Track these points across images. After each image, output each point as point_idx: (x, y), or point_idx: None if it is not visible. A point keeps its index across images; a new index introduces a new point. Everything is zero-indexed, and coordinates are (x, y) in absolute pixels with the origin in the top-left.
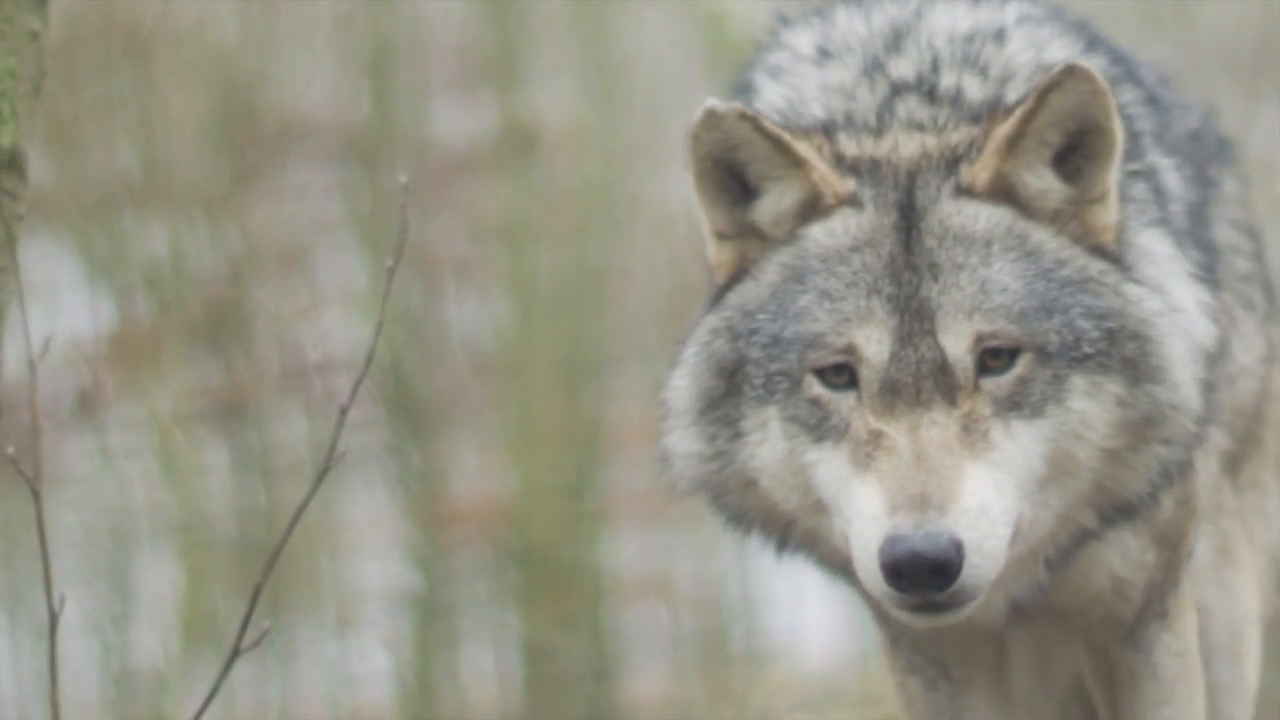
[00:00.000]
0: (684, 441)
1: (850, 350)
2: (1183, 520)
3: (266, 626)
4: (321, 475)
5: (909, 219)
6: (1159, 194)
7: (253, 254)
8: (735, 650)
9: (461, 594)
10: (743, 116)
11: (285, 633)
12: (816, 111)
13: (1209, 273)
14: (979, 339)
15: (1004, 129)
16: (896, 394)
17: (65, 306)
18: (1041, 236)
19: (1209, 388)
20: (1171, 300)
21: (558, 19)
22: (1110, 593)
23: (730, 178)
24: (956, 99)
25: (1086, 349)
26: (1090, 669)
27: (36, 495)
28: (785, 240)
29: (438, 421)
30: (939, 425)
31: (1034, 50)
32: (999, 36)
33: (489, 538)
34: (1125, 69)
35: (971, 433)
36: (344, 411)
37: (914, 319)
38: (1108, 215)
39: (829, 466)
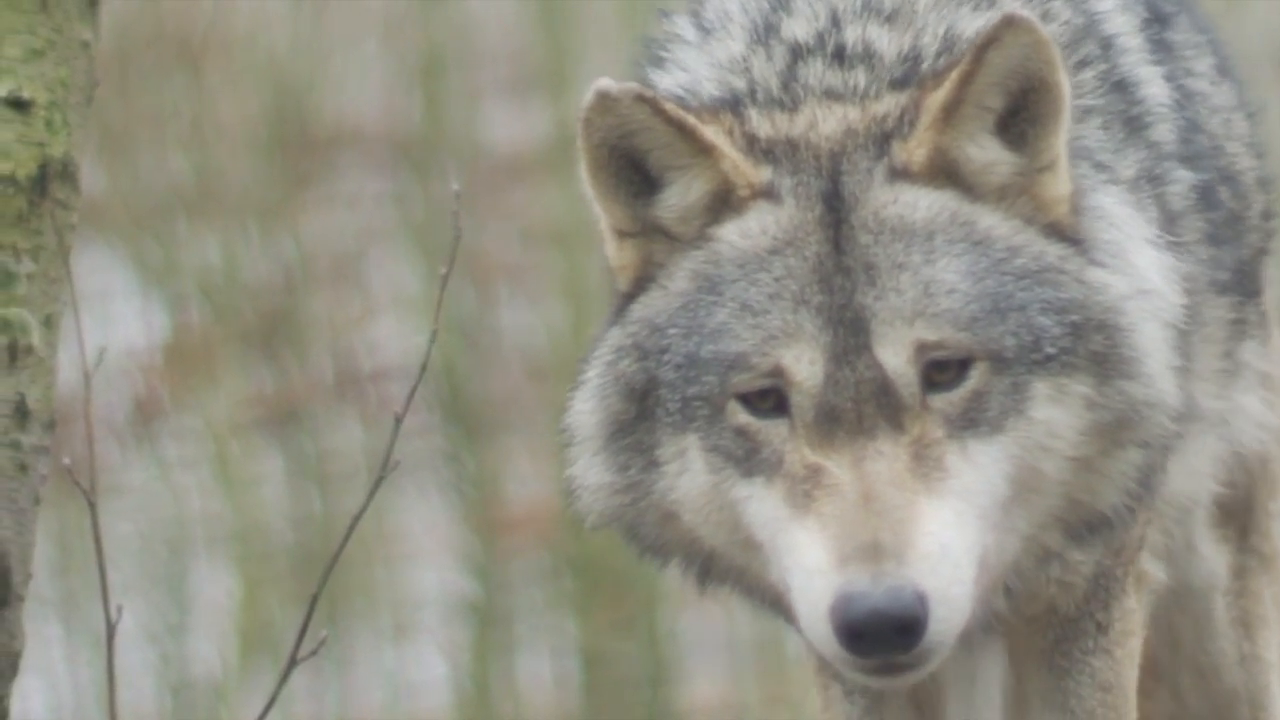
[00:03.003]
0: (592, 471)
1: (778, 373)
2: None
3: (324, 635)
4: (377, 483)
5: (837, 211)
6: (1129, 124)
7: (306, 262)
8: (791, 654)
9: (518, 600)
10: (640, 99)
11: (342, 641)
12: (713, 92)
13: (1171, 233)
14: (921, 349)
15: (939, 96)
16: (835, 422)
17: (119, 316)
18: (990, 221)
19: (1184, 375)
20: (1137, 277)
21: (607, 22)
22: (1055, 583)
23: (629, 167)
24: (868, 57)
25: (1048, 349)
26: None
27: (92, 506)
28: (695, 242)
29: (492, 428)
30: (886, 456)
31: None
32: None
33: (545, 544)
34: None
35: (924, 461)
36: (399, 420)
37: (849, 332)
38: (1059, 185)
39: (762, 505)
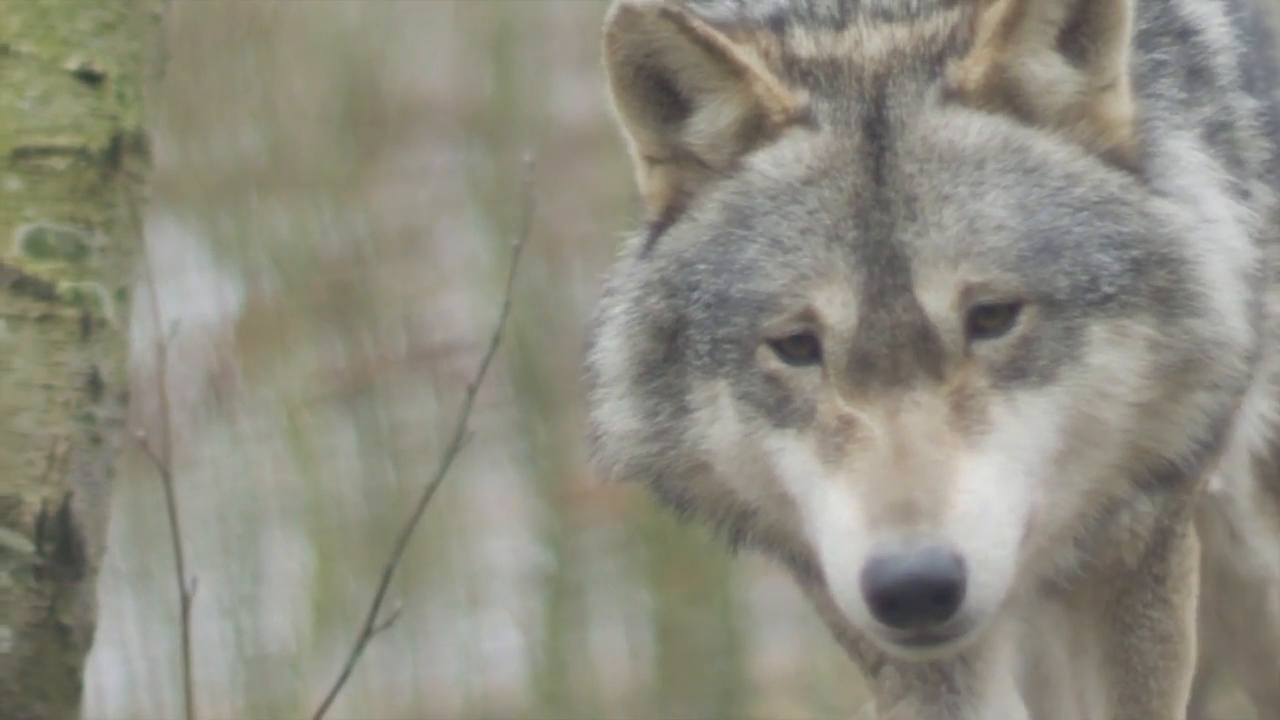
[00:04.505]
0: (618, 417)
1: (810, 316)
2: None
3: (398, 607)
4: (451, 455)
5: (880, 139)
6: (1195, 77)
7: (377, 234)
8: None
9: (591, 571)
10: (665, 15)
11: (416, 612)
12: (767, 10)
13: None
14: (967, 292)
15: (997, 9)
16: (869, 369)
17: (192, 289)
18: (1046, 147)
19: (1256, 311)
20: (1204, 211)
21: None
22: (1127, 531)
23: (658, 88)
24: None
25: (1106, 288)
26: (1070, 646)
27: (167, 477)
28: (726, 171)
29: (565, 399)
30: (923, 408)
31: None
32: None
33: (618, 515)
34: None
35: (965, 413)
36: (472, 391)
37: (886, 272)
38: (1122, 106)
39: (794, 458)
